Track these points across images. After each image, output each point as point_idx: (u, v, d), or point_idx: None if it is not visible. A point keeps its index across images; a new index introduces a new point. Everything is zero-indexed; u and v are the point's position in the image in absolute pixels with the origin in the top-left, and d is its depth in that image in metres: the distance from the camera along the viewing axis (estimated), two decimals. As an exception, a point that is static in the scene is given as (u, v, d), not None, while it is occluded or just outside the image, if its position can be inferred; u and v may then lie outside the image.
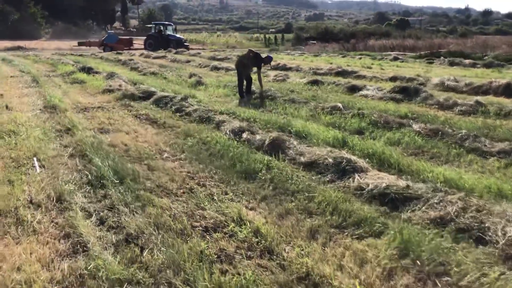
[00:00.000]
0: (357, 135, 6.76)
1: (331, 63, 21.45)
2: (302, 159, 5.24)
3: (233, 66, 18.45)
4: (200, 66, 19.51)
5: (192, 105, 8.75)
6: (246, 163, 5.10)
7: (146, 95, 10.16)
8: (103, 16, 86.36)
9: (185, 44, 36.39)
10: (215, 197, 4.26)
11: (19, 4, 63.87)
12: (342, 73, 15.00)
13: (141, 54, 26.20)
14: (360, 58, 26.04)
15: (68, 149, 5.81)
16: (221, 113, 8.30)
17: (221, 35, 76.85)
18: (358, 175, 4.57)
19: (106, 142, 6.18)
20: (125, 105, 9.49)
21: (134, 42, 40.25)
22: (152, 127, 7.37)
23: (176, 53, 28.56)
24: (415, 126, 6.96)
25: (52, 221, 3.66)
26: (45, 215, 3.76)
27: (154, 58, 24.22)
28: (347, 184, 4.50)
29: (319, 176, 4.79)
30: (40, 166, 5.07)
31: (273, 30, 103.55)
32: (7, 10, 62.22)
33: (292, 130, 6.86)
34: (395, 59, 24.20)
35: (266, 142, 5.82)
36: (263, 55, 10.83)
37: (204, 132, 6.76)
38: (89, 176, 4.66)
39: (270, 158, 5.32)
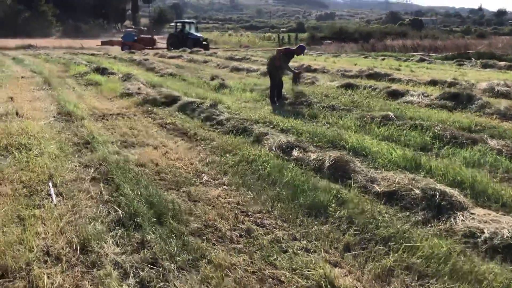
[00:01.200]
0: (422, 152, 5.76)
1: (355, 64, 20.45)
2: (377, 188, 4.24)
3: (254, 66, 17.53)
4: (219, 67, 18.56)
5: (222, 113, 7.79)
6: (309, 193, 4.12)
7: (170, 100, 9.22)
8: (114, 15, 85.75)
9: (204, 43, 34.62)
10: (283, 245, 3.28)
11: (29, 2, 63.36)
12: (375, 76, 13.96)
13: (156, 54, 25.32)
14: (384, 59, 24.96)
15: (90, 170, 4.87)
16: (257, 122, 7.33)
17: (233, 34, 75.90)
18: (461, 214, 3.56)
19: (133, 160, 5.23)
20: (147, 111, 8.55)
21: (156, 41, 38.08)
22: (182, 140, 6.42)
23: (191, 52, 27.64)
24: (492, 143, 5.93)
25: (76, 286, 2.69)
26: (67, 275, 2.79)
27: (170, 58, 23.32)
28: (448, 226, 3.50)
29: (407, 213, 3.79)
30: (56, 194, 4.12)
31: (285, 29, 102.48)
32: (17, 8, 61.74)
33: (346, 146, 5.87)
34: (421, 60, 23.11)
35: (326, 164, 4.83)
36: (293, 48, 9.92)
37: (245, 147, 5.79)
38: (119, 212, 3.70)
39: (337, 187, 4.33)
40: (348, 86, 11.81)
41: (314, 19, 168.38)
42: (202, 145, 6.07)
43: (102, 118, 7.90)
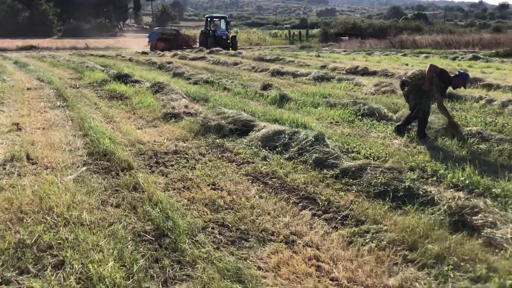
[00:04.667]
0: None
1: (406, 64, 17.78)
2: None
3: (300, 70, 14.83)
4: (255, 70, 15.87)
5: (334, 152, 5.12)
6: None
7: (240, 126, 6.55)
8: (115, 13, 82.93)
9: (228, 41, 31.13)
10: None
11: (29, 1, 60.56)
12: (487, 85, 11.23)
13: (175, 55, 22.60)
14: (427, 57, 22.26)
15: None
16: (421, 176, 4.65)
17: (238, 31, 73.02)
18: None
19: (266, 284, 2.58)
20: (215, 146, 5.91)
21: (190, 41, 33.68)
22: (317, 217, 3.76)
23: (210, 52, 24.94)
24: None
25: None
26: None
27: (192, 59, 20.62)
28: None
29: None
30: None
31: (288, 25, 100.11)
32: (17, 7, 58.97)
33: None
34: (475, 58, 20.41)
35: None
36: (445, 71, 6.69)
37: (461, 247, 3.12)
38: None
39: None
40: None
41: (315, 15, 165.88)
42: (363, 236, 3.39)
43: (157, 162, 5.24)
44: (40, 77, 13.22)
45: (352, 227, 3.46)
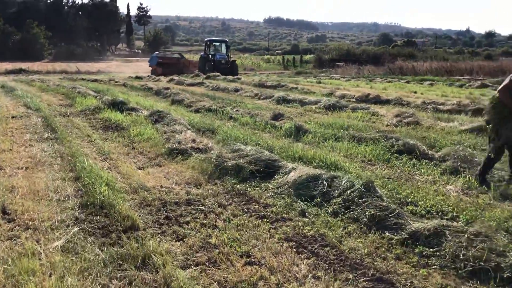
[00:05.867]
0: None
1: (415, 92, 17.01)
2: None
3: (310, 98, 13.89)
4: (258, 97, 14.93)
5: (391, 206, 4.07)
6: None
7: (263, 168, 5.49)
8: (108, 37, 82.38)
9: (227, 66, 29.44)
10: None
11: (21, 24, 59.75)
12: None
13: (171, 80, 21.63)
14: (432, 85, 21.59)
15: None
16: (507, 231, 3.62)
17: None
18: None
19: None
20: (237, 194, 4.85)
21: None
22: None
23: (207, 78, 24.04)
24: None
25: None
26: None
27: (189, 85, 19.66)
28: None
29: None
30: None
31: (279, 51, 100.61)
32: (8, 30, 58.06)
33: None
34: (484, 86, 19.74)
35: None
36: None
37: None
38: None
39: None
40: (479, 131, 8.25)
41: (306, 41, 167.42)
42: None
43: (168, 218, 4.15)
44: (27, 104, 12.11)
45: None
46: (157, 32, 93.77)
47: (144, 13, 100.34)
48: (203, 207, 4.44)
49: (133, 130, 8.41)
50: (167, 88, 15.78)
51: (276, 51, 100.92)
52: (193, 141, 7.01)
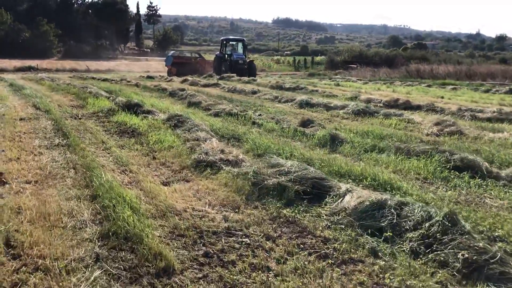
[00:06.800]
0: None
1: (442, 97, 16.15)
2: None
3: (336, 102, 13.07)
4: (278, 101, 14.13)
5: (485, 246, 3.27)
6: None
7: (309, 188, 4.69)
8: (116, 36, 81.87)
9: (245, 66, 27.90)
10: None
11: (31, 22, 59.30)
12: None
13: (184, 81, 20.87)
14: (455, 89, 20.71)
15: None
16: None
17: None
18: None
19: None
20: (285, 222, 4.07)
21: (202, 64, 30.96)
22: None
23: (221, 78, 23.26)
24: None
25: None
26: None
27: (204, 86, 18.89)
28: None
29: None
30: None
31: (288, 52, 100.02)
32: (18, 28, 57.63)
33: None
34: (512, 91, 18.81)
35: None
36: None
37: None
38: None
39: None
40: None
41: (315, 42, 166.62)
42: None
43: (207, 256, 3.37)
44: (36, 104, 11.40)
45: None
46: (166, 31, 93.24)
47: (153, 12, 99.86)
48: (247, 240, 3.67)
49: (151, 137, 7.66)
50: (182, 90, 15.02)
51: (285, 52, 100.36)
52: (222, 151, 6.22)
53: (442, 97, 16.32)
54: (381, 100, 13.47)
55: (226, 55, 28.67)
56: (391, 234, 3.65)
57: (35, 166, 5.69)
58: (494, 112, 10.57)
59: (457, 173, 5.73)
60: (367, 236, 3.66)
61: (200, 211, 4.31)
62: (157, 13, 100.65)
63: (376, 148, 7.12)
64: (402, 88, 21.18)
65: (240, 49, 29.95)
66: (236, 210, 4.37)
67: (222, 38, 32.11)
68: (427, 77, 30.70)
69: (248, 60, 29.62)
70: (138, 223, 3.70)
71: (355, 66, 47.34)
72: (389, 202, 4.01)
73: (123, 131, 8.48)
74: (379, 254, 3.39)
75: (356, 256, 3.37)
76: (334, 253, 3.44)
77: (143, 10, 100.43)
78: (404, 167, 6.03)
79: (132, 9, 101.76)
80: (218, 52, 29.94)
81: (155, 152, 6.76)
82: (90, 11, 77.84)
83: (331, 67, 52.70)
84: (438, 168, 5.86)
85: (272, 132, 8.71)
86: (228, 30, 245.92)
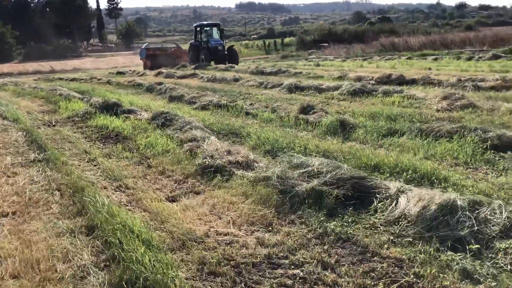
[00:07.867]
0: None
1: (429, 68, 15.64)
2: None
3: (327, 83, 12.28)
4: (264, 87, 13.29)
5: None
6: None
7: (349, 191, 3.91)
8: (78, 33, 78.99)
9: (225, 53, 26.10)
10: None
11: (-15, 25, 56.51)
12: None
13: (159, 73, 19.75)
14: (436, 59, 20.31)
15: None
16: None
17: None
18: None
19: None
20: (338, 241, 3.29)
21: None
22: None
23: (196, 68, 22.21)
24: None
25: None
26: None
27: (181, 77, 17.84)
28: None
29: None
30: None
31: (255, 36, 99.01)
32: (-28, 32, 54.81)
33: None
34: (496, 57, 18.46)
35: None
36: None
37: None
38: None
39: None
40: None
41: (280, 25, 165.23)
42: None
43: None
44: (2, 113, 10.24)
45: None
46: (129, 24, 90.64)
47: (114, 5, 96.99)
48: (299, 271, 2.86)
49: (140, 140, 6.77)
50: (160, 83, 14.00)
51: (253, 36, 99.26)
52: (229, 152, 5.38)
53: (430, 69, 15.80)
54: (372, 77, 12.78)
55: (202, 43, 26.83)
56: (478, 246, 2.90)
57: (11, 191, 4.73)
58: (497, 80, 10.00)
59: (500, 153, 5.05)
60: (448, 251, 2.91)
61: (225, 234, 3.49)
62: (118, 7, 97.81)
63: (392, 131, 6.40)
64: (384, 62, 20.62)
65: (215, 35, 28.12)
66: (268, 227, 3.57)
67: (195, 24, 30.01)
68: (402, 50, 30.37)
69: (228, 46, 27.80)
70: (157, 263, 2.85)
71: (326, 44, 46.78)
72: (459, 202, 3.26)
73: (106, 137, 7.53)
74: (476, 276, 2.64)
75: (448, 283, 2.61)
76: (418, 281, 2.67)
77: (103, 5, 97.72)
78: (437, 152, 5.32)
79: (92, 4, 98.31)
80: (193, 41, 28.05)
81: (149, 159, 5.87)
82: (48, 9, 74.73)
83: (303, 48, 52.00)
84: (477, 150, 5.16)
85: (270, 123, 7.93)
86: (191, 18, 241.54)
